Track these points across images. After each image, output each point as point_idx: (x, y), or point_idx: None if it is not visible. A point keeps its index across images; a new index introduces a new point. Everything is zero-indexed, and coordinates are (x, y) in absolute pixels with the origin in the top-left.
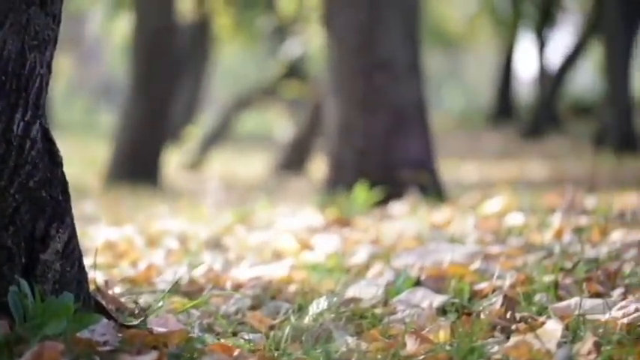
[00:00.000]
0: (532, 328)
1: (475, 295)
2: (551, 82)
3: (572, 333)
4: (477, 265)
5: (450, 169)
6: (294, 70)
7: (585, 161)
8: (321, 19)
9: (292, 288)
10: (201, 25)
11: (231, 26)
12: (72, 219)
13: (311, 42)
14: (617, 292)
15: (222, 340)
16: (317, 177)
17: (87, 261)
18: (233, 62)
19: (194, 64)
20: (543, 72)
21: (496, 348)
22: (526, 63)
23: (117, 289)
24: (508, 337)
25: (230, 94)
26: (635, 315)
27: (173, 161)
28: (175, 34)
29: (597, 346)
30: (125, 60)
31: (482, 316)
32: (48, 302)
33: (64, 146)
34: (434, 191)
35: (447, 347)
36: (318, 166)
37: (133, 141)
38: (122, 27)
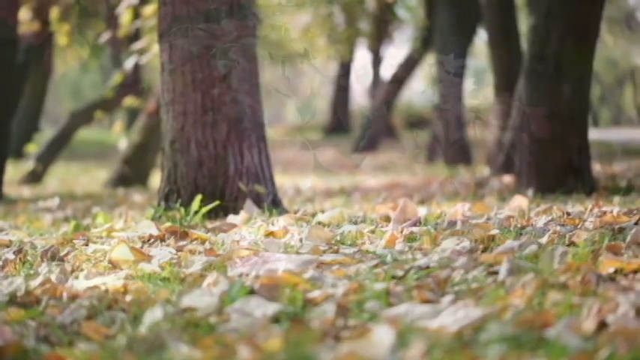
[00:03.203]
0: (363, 335)
1: (308, 304)
2: (386, 95)
3: (402, 339)
4: (310, 273)
5: (287, 181)
6: (134, 82)
7: (418, 172)
8: (157, 31)
9: (128, 298)
10: (42, 38)
11: (69, 40)
12: None
13: (150, 54)
14: (446, 299)
15: (58, 351)
16: (156, 189)
17: None
18: (76, 75)
19: (35, 78)
20: (378, 85)
21: (327, 355)
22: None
23: None
24: (339, 345)
25: (72, 107)
26: (464, 321)
27: (14, 175)
28: (16, 47)
29: (427, 352)
30: None
31: (314, 324)
32: None
33: None
34: (270, 202)
35: (280, 355)
36: (158, 178)
37: None
38: None
